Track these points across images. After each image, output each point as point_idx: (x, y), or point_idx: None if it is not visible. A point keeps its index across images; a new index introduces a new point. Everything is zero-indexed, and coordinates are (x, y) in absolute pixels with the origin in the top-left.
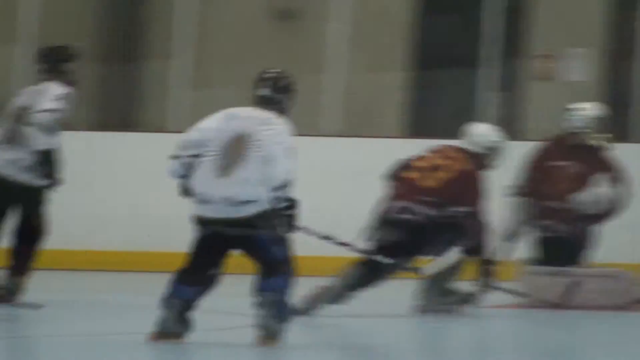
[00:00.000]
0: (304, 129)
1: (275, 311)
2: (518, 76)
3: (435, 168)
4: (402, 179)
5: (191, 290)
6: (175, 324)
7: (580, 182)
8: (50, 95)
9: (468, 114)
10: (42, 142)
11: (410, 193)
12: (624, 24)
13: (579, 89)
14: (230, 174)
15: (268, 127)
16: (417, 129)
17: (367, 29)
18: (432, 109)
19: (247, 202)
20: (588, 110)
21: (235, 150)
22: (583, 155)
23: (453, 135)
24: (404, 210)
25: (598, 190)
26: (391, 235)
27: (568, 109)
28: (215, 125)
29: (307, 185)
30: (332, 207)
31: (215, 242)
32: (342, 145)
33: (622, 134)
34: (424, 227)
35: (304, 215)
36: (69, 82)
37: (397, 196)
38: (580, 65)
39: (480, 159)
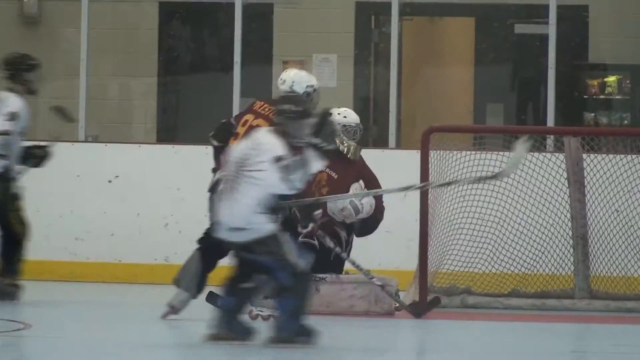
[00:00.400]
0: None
1: (282, 326)
2: (265, 81)
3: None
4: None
5: (231, 300)
6: (224, 328)
7: (336, 189)
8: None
9: (217, 119)
10: None
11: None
12: (367, 34)
13: (328, 94)
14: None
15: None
16: (166, 134)
17: (117, 35)
18: (181, 114)
19: (242, 229)
20: (338, 116)
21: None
22: (337, 162)
23: (204, 140)
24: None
25: (354, 198)
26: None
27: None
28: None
29: (67, 192)
30: (89, 213)
31: (239, 260)
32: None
33: (379, 140)
34: None
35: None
36: (29, 91)
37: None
38: (329, 71)
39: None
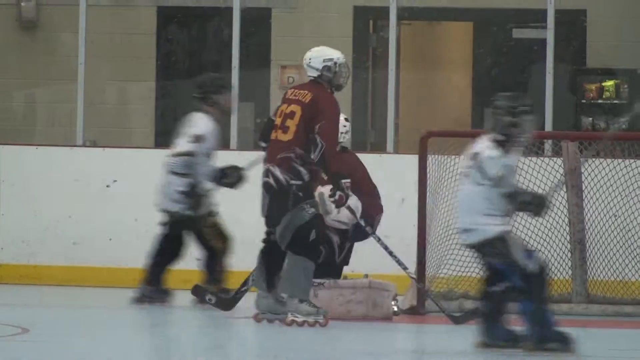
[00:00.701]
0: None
1: (532, 334)
2: (263, 85)
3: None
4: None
5: (487, 305)
6: (488, 336)
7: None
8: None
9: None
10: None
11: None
12: (365, 38)
13: None
14: None
15: None
16: (164, 138)
17: (115, 40)
18: (179, 118)
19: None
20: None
21: None
22: None
23: None
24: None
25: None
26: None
27: None
28: None
29: (67, 195)
30: (87, 218)
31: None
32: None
33: (377, 145)
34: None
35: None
36: (221, 112)
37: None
38: None
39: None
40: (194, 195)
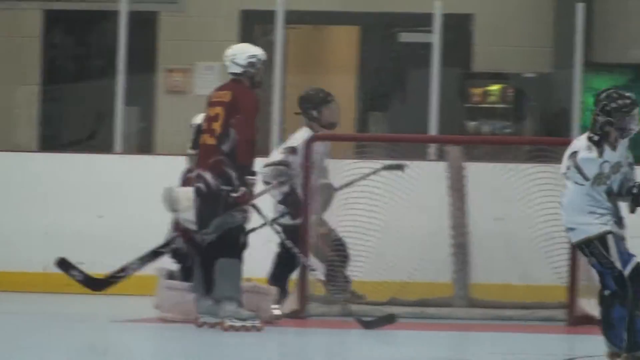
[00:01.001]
0: None
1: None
2: (149, 89)
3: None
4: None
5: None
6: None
7: None
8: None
9: (102, 126)
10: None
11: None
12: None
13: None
14: None
15: None
16: (49, 142)
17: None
18: (65, 122)
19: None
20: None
21: None
22: None
23: (88, 148)
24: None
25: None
26: None
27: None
28: None
29: None
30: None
31: None
32: None
33: (263, 148)
34: None
35: None
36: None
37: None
38: (212, 79)
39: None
40: (290, 204)
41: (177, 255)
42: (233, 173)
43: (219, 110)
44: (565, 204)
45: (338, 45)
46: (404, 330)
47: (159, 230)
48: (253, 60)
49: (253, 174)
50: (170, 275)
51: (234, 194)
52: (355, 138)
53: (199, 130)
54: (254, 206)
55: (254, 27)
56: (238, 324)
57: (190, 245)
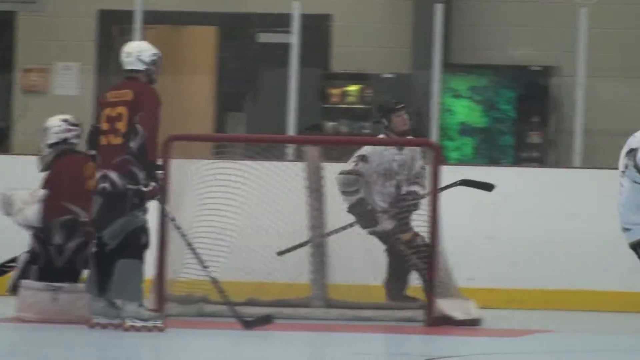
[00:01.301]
0: None
1: None
2: (5, 89)
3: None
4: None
5: None
6: None
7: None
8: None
9: None
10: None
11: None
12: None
13: (68, 102)
14: None
15: None
16: None
17: None
18: None
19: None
20: (54, 126)
21: None
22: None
23: None
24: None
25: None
26: None
27: (46, 126)
28: None
29: None
30: None
31: None
32: None
33: None
34: None
35: None
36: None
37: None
38: (70, 79)
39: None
40: (361, 213)
41: (32, 255)
42: (139, 171)
43: (121, 109)
44: (622, 203)
45: (196, 46)
46: (261, 331)
47: (17, 235)
48: (155, 58)
49: (161, 168)
50: (25, 274)
51: (145, 189)
52: (213, 138)
53: (95, 131)
54: (160, 201)
55: (111, 27)
56: (139, 324)
57: (42, 248)
